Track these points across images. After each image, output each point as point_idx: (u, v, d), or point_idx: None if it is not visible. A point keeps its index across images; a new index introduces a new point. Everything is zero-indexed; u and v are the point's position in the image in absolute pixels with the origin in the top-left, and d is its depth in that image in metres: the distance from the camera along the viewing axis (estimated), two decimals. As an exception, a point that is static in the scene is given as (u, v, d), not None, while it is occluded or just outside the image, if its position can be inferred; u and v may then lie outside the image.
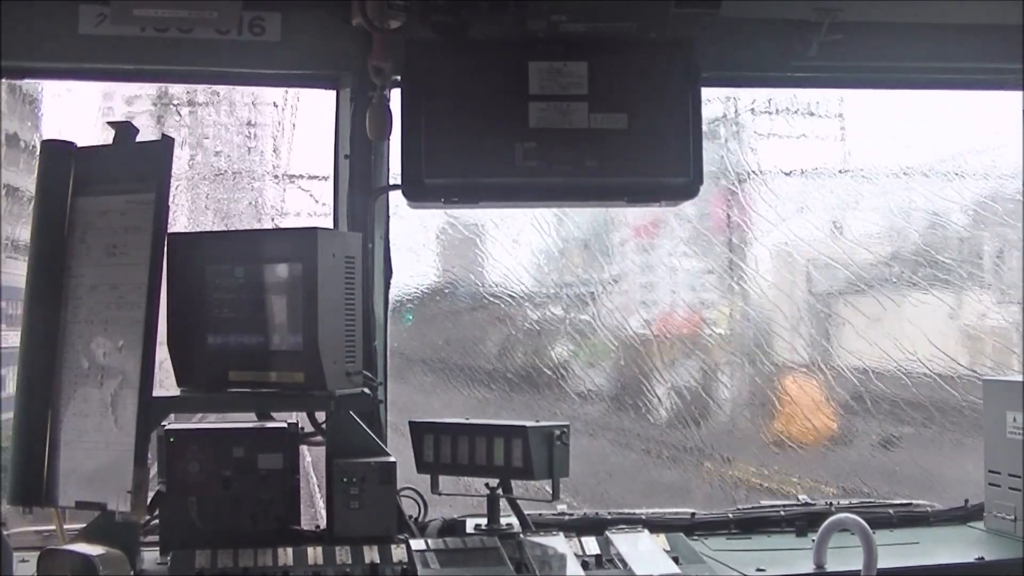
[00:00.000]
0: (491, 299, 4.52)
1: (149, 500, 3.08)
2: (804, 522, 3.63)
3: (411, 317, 4.48)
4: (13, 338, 3.37)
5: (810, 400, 4.59)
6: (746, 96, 4.50)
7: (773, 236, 4.67)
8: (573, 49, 3.36)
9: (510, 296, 4.53)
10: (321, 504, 3.68)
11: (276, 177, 4.50)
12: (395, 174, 3.57)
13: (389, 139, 3.46)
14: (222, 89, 4.42)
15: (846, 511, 3.37)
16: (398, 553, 3.09)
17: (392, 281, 3.66)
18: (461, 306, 4.56)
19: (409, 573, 3.01)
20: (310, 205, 4.40)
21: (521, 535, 3.25)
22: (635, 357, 4.61)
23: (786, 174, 4.60)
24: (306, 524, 3.34)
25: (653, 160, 3.40)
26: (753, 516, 3.72)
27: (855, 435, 4.56)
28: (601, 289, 4.63)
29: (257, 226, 4.19)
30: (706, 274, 4.82)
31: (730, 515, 3.71)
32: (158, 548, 3.17)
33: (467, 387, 4.46)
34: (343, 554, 3.07)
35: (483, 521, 3.35)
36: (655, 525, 3.46)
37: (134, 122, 3.19)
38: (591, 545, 3.22)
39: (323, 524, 3.36)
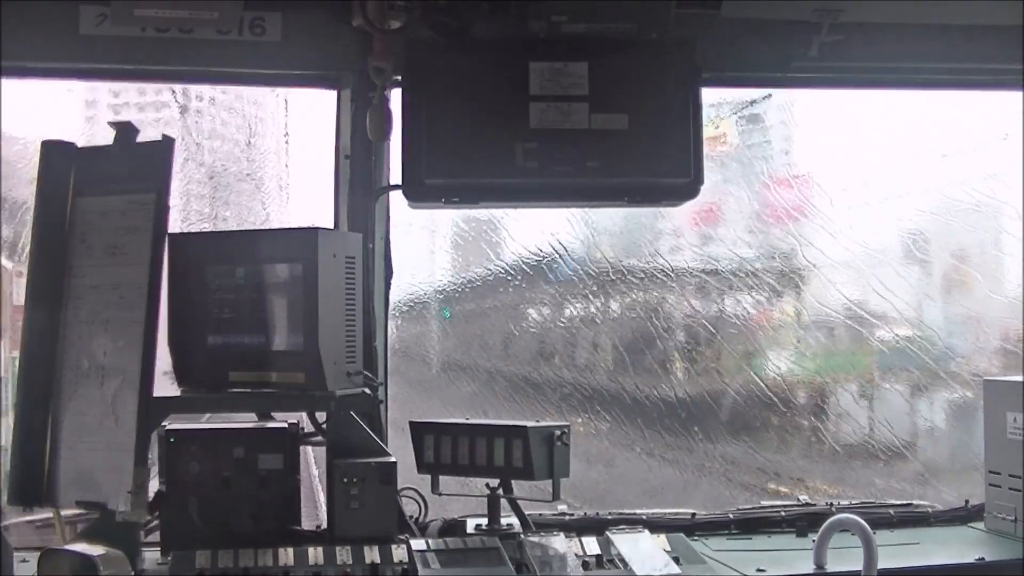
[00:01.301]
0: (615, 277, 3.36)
1: (149, 500, 3.08)
2: (804, 522, 3.63)
3: (449, 313, 3.93)
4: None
5: None
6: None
7: None
8: (574, 50, 3.37)
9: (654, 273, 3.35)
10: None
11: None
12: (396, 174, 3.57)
13: (389, 139, 3.46)
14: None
15: (846, 511, 3.38)
16: (398, 553, 3.09)
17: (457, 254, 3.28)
18: (541, 293, 3.49)
19: (409, 573, 3.01)
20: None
21: (521, 535, 3.24)
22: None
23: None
24: (310, 524, 3.34)
25: (654, 161, 3.40)
26: (753, 516, 3.71)
27: None
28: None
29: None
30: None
31: (730, 515, 3.70)
32: (158, 548, 3.17)
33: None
34: (343, 554, 3.07)
35: (483, 521, 3.35)
36: (656, 525, 3.45)
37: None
38: (591, 545, 3.22)
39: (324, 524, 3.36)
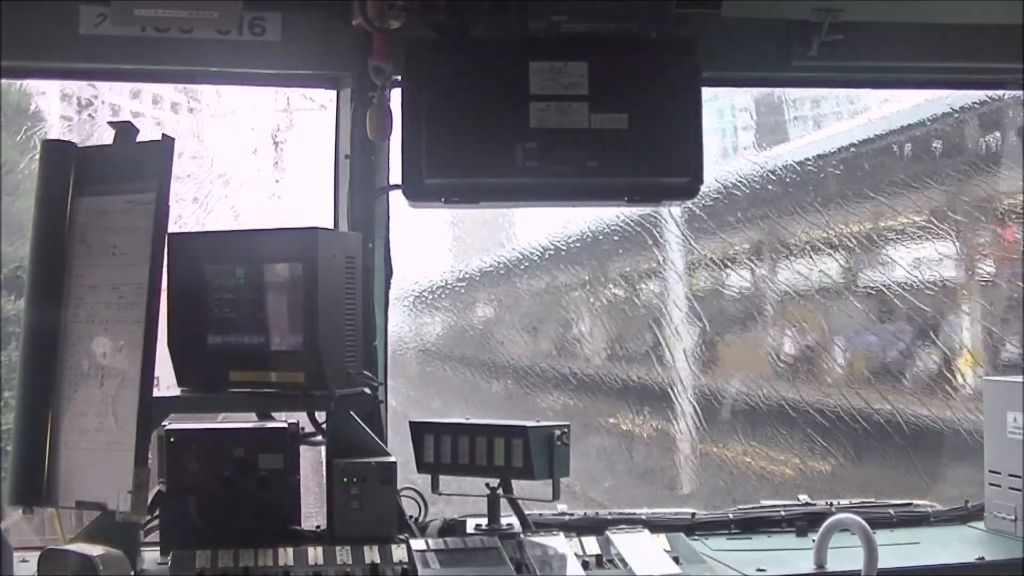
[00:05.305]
0: None
1: (149, 500, 3.08)
2: (804, 522, 3.63)
3: None
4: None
5: None
6: None
7: None
8: (574, 49, 3.36)
9: None
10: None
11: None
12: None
13: (389, 139, 3.46)
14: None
15: (846, 511, 3.38)
16: (398, 553, 3.09)
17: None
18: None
19: (409, 573, 3.01)
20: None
21: (521, 535, 3.25)
22: None
23: None
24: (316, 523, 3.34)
25: (654, 160, 3.39)
26: (753, 516, 3.71)
27: None
28: None
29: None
30: None
31: (730, 515, 3.71)
32: (158, 548, 3.17)
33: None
34: (343, 554, 3.07)
35: (483, 521, 3.35)
36: (655, 525, 3.45)
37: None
38: (591, 545, 3.22)
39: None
